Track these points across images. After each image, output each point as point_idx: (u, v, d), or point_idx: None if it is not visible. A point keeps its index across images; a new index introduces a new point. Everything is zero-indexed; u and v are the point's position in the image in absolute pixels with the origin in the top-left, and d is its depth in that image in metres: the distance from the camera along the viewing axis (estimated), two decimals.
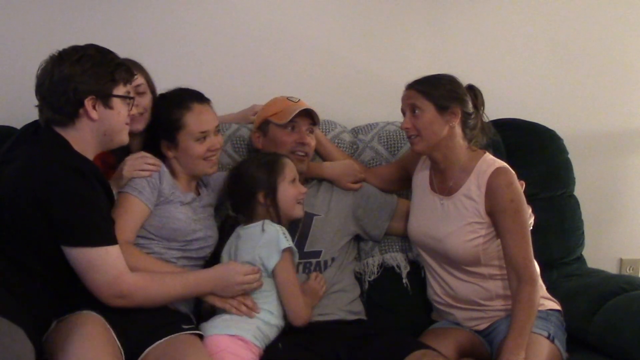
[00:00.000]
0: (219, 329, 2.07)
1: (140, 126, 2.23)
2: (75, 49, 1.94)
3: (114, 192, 2.08)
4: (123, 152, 2.18)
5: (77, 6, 2.69)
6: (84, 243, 1.85)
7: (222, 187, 2.34)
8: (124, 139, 2.02)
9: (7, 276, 1.82)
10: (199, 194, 2.29)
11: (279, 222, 2.19)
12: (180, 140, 2.19)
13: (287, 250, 2.13)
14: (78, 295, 1.90)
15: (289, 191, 2.21)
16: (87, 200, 1.86)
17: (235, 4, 2.83)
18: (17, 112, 2.44)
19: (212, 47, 2.82)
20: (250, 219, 2.20)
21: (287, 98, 2.43)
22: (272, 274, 2.14)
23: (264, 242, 2.13)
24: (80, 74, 1.90)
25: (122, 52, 2.17)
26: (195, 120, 2.19)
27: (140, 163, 2.13)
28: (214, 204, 2.35)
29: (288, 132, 2.35)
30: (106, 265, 1.87)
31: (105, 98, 1.94)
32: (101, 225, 1.89)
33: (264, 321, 2.11)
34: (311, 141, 2.39)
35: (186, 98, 2.23)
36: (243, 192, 2.20)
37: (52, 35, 2.65)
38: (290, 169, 2.24)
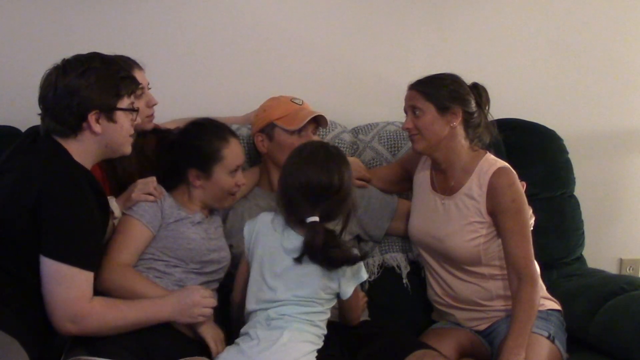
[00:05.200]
0: None
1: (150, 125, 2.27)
2: (79, 60, 1.90)
3: (120, 212, 2.08)
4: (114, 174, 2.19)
5: (78, 6, 2.68)
6: (61, 258, 1.81)
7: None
8: (127, 150, 2.00)
9: (1, 287, 1.80)
10: (209, 215, 2.27)
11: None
12: (214, 171, 2.17)
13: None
14: None
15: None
16: (78, 217, 1.83)
17: (235, 4, 2.82)
18: (19, 112, 2.44)
19: (212, 47, 2.81)
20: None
21: (291, 100, 2.41)
22: (343, 298, 2.01)
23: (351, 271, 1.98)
24: (85, 88, 1.86)
25: (122, 53, 2.17)
26: (233, 154, 2.19)
27: (148, 188, 2.13)
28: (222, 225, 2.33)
29: (297, 137, 2.33)
30: (72, 284, 1.82)
31: (109, 112, 1.91)
32: (84, 247, 1.86)
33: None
34: None
35: (224, 129, 2.23)
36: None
37: (52, 34, 2.65)
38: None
